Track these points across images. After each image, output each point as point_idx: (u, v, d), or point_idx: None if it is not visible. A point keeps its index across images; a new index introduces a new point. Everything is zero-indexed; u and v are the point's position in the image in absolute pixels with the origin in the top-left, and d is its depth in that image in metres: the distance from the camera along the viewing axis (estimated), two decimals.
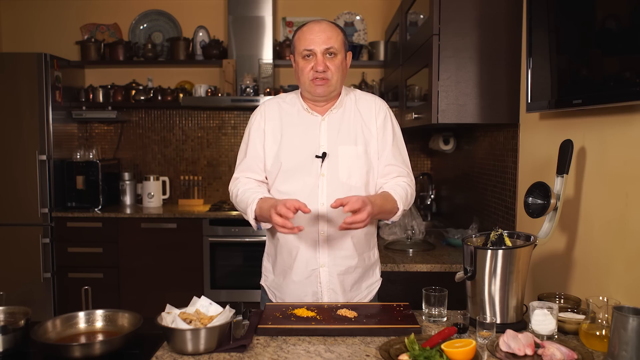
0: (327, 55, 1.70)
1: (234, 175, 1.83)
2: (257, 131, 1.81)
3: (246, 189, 1.74)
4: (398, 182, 1.78)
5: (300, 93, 1.82)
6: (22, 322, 1.44)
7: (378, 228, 2.76)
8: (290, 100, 1.84)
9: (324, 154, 1.74)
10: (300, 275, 1.77)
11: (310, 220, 1.73)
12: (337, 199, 1.53)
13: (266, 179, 1.82)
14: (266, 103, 1.84)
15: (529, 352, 1.29)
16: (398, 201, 1.70)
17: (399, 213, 1.72)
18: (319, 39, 1.69)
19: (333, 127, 1.77)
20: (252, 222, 1.70)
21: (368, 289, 1.86)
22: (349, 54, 1.79)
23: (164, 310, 1.41)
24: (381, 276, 1.93)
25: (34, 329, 1.40)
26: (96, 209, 3.86)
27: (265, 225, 1.74)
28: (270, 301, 1.88)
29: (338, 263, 1.76)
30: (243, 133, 1.85)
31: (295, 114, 1.80)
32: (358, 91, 1.87)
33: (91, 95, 4.13)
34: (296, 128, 1.78)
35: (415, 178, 1.92)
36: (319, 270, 1.76)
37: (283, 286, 1.83)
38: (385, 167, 1.79)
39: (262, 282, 1.94)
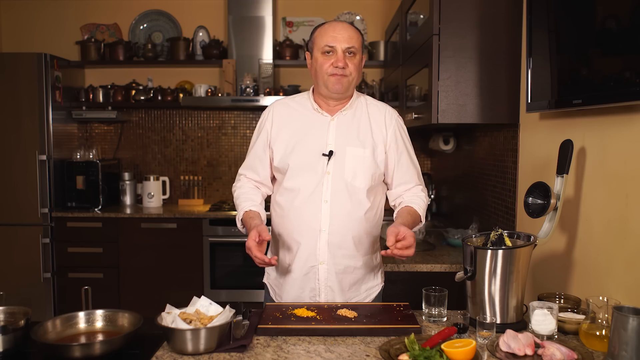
0: (347, 53, 1.74)
1: (239, 171, 1.94)
2: (262, 132, 1.86)
3: (240, 194, 1.87)
4: (416, 192, 1.85)
5: (312, 92, 1.86)
6: (22, 322, 1.43)
7: None
8: (299, 100, 1.87)
9: (331, 152, 1.76)
10: (300, 272, 1.79)
11: (312, 218, 1.75)
12: (393, 235, 1.56)
13: (273, 177, 1.88)
14: (274, 104, 1.88)
15: (529, 352, 1.29)
16: (422, 215, 1.81)
17: (422, 224, 1.85)
18: (341, 36, 1.73)
19: (342, 127, 1.80)
20: (241, 229, 1.83)
21: (367, 292, 1.86)
22: (364, 57, 1.83)
23: (164, 310, 1.41)
24: (383, 281, 1.93)
25: (34, 329, 1.40)
26: (96, 209, 3.86)
27: None
28: (271, 299, 1.89)
29: (337, 262, 1.77)
30: (243, 133, 1.89)
31: (304, 114, 1.83)
32: (369, 97, 1.91)
33: (91, 95, 4.13)
34: (305, 127, 1.81)
35: None
36: (318, 267, 1.77)
37: (283, 283, 1.84)
38: (403, 176, 1.84)
39: (264, 280, 1.95)
